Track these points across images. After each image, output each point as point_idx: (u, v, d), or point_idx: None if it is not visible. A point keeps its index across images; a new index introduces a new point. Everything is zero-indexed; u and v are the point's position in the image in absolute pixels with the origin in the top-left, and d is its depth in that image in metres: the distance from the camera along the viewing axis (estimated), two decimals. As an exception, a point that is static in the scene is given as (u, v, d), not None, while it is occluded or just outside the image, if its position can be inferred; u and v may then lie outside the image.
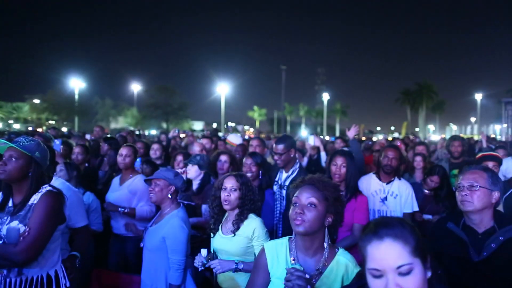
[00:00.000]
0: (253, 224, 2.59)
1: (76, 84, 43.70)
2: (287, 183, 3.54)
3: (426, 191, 4.14)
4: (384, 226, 1.21)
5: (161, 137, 9.49)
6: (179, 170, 3.85)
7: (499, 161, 3.83)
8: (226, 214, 2.71)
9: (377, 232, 1.19)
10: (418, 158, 5.13)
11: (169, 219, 2.79)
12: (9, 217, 2.27)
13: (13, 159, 2.26)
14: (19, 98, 47.24)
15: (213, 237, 2.70)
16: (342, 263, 1.77)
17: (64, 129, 30.59)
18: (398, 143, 7.42)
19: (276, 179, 3.73)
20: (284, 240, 1.88)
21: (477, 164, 2.50)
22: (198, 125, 57.61)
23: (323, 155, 5.84)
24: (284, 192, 3.51)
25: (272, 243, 1.91)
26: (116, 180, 3.97)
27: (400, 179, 3.70)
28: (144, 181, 3.08)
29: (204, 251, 2.54)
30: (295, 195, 1.79)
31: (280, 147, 3.53)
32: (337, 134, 38.14)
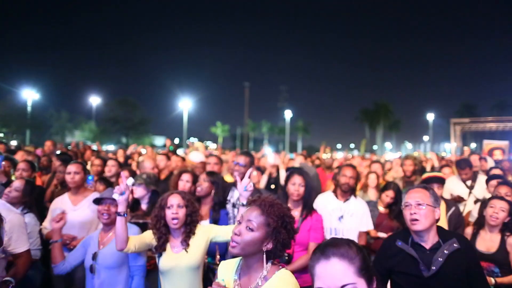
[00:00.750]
0: (202, 231, 2.67)
1: (28, 95, 41.54)
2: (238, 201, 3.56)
3: (381, 209, 4.27)
4: (332, 246, 1.26)
5: (117, 152, 9.16)
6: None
7: (442, 182, 4.04)
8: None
9: (325, 252, 1.24)
10: (372, 176, 5.29)
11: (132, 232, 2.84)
12: None
13: None
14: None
15: (159, 256, 2.63)
16: (275, 283, 1.68)
17: (14, 143, 28.87)
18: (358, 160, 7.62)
19: (228, 197, 3.71)
20: (237, 260, 1.88)
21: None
22: (159, 141, 56.40)
23: (282, 173, 5.87)
24: (236, 211, 3.48)
25: (225, 262, 1.93)
26: (64, 199, 3.72)
27: (356, 198, 3.79)
28: (94, 201, 2.96)
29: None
30: (243, 213, 1.79)
31: (245, 159, 3.64)
32: (299, 151, 38.76)
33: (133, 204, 3.75)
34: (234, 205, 3.56)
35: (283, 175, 5.79)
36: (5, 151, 7.15)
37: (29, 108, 41.64)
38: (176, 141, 53.83)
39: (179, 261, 2.55)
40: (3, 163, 4.26)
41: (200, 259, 2.60)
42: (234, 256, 1.85)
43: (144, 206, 3.64)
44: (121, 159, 7.70)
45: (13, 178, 4.43)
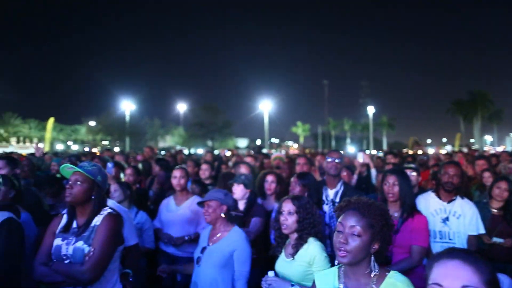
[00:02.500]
0: (312, 250, 2.53)
1: (127, 106, 46.39)
2: (337, 198, 3.54)
3: (494, 211, 3.83)
4: (461, 251, 1.20)
5: (207, 155, 9.64)
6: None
7: None
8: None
9: (451, 254, 1.19)
10: (487, 174, 4.77)
11: (233, 235, 2.91)
12: (74, 237, 2.38)
13: (78, 182, 2.38)
14: (77, 121, 50.71)
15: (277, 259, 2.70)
16: (392, 285, 1.66)
17: (117, 149, 32.24)
18: (459, 158, 6.99)
19: (323, 197, 3.69)
20: (334, 269, 1.83)
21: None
22: (242, 142, 58.32)
23: (373, 172, 5.64)
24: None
25: (322, 273, 1.89)
26: (169, 201, 4.07)
27: (462, 198, 3.46)
28: (197, 204, 3.15)
29: (271, 273, 2.54)
30: (339, 220, 1.73)
31: (340, 155, 3.70)
32: (385, 148, 36.81)
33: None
34: (334, 203, 3.56)
35: (374, 174, 5.57)
36: (112, 157, 8.02)
37: (127, 118, 46.30)
38: (258, 142, 55.07)
39: (288, 269, 2.56)
40: (113, 169, 4.74)
41: (299, 274, 2.51)
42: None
43: (241, 206, 3.78)
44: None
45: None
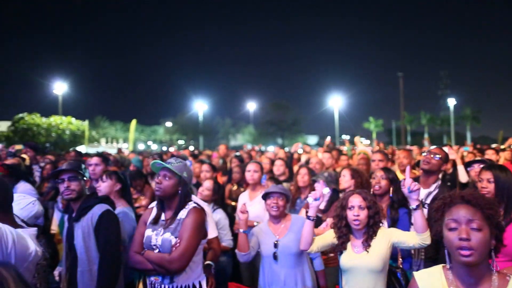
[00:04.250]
0: (386, 232, 2.60)
1: (200, 106, 48.77)
2: (428, 200, 3.27)
3: None
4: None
5: (278, 153, 9.71)
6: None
7: None
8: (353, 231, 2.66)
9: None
10: None
11: (296, 221, 3.10)
12: (162, 229, 2.56)
13: (167, 178, 2.55)
14: (156, 122, 54.44)
15: (340, 254, 2.65)
16: None
17: (191, 148, 33.91)
18: None
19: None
20: (437, 269, 1.65)
21: None
22: (312, 139, 57.67)
23: (460, 169, 5.18)
24: (425, 211, 3.21)
25: (423, 273, 1.70)
26: (244, 196, 4.18)
27: None
28: (262, 197, 3.21)
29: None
30: (448, 217, 1.54)
31: (440, 151, 3.44)
32: (469, 142, 33.74)
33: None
34: (422, 204, 3.35)
35: (461, 171, 5.11)
36: (190, 155, 8.44)
37: (200, 118, 48.58)
38: (328, 139, 53.93)
39: (360, 262, 2.52)
40: (193, 166, 5.00)
41: (381, 263, 2.51)
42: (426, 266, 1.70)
43: (322, 205, 3.74)
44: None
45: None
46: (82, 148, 28.55)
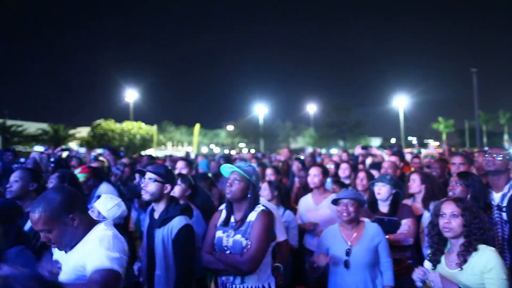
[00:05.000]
0: (487, 258, 2.22)
1: (260, 110, 49.42)
2: (504, 203, 3.05)
3: None
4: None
5: (342, 155, 9.49)
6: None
7: None
8: (448, 244, 2.44)
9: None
10: None
11: (371, 229, 3.00)
12: (233, 231, 2.63)
13: (236, 181, 2.62)
14: (218, 126, 56.20)
15: (433, 269, 2.44)
16: None
17: (252, 151, 34.41)
18: None
19: (487, 201, 3.23)
20: None
21: None
22: (375, 142, 55.46)
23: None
24: (504, 214, 2.99)
25: None
26: (308, 199, 4.14)
27: None
28: (332, 202, 3.15)
29: (427, 263, 2.45)
30: None
31: (502, 151, 3.25)
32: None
33: (372, 204, 3.76)
34: (499, 208, 3.09)
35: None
36: (252, 158, 8.59)
37: (261, 121, 49.19)
38: (393, 141, 51.69)
39: (454, 280, 2.28)
40: (257, 169, 5.07)
41: (474, 282, 2.23)
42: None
43: (385, 208, 3.61)
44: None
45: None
46: (151, 151, 30.33)
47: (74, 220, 1.85)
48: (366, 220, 3.16)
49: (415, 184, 3.76)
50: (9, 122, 33.77)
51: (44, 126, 36.51)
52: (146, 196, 2.76)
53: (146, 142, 34.04)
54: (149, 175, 2.76)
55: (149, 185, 2.73)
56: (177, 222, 2.67)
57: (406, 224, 3.39)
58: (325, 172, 4.18)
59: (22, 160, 6.20)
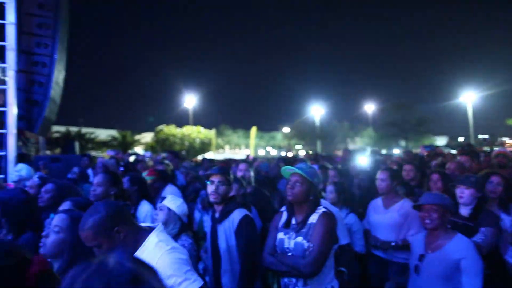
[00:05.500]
0: None
1: (316, 111, 48.83)
2: None
3: None
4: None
5: (406, 155, 9.04)
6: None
7: None
8: None
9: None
10: None
11: (458, 242, 2.67)
12: (294, 233, 2.63)
13: (298, 184, 2.61)
14: (274, 128, 56.44)
15: None
16: None
17: (310, 152, 34.06)
18: None
19: None
20: None
21: None
22: (441, 141, 52.03)
23: None
24: None
25: None
26: (378, 202, 4.01)
27: None
28: (413, 207, 2.98)
29: None
30: None
31: None
32: None
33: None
34: None
35: None
36: (311, 159, 8.49)
37: (317, 122, 48.59)
38: (460, 139, 48.20)
39: None
40: (319, 171, 5.02)
41: None
42: None
43: (466, 212, 3.37)
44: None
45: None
46: (210, 155, 31.30)
47: (120, 232, 1.89)
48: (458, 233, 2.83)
49: (491, 185, 3.49)
50: (84, 130, 36.78)
51: (113, 132, 39.26)
52: (215, 199, 2.88)
53: (205, 146, 35.24)
54: (217, 177, 2.89)
55: (218, 187, 2.87)
56: (237, 214, 2.81)
57: (483, 233, 3.09)
58: (394, 176, 3.94)
59: (98, 164, 6.72)
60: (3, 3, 7.19)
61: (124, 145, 34.43)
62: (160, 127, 34.81)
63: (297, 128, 50.84)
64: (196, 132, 34.86)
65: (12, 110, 7.10)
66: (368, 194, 4.78)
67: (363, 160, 6.44)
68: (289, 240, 2.61)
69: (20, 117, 7.54)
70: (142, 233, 2.00)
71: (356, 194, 5.11)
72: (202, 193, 5.21)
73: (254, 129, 42.55)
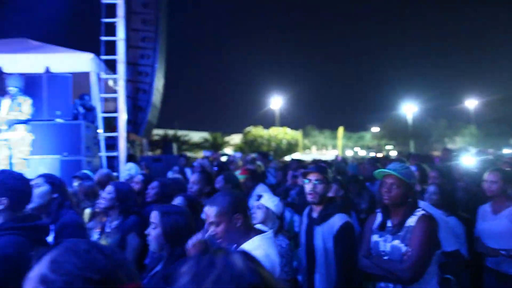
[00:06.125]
0: None
1: (408, 109, 45.71)
2: None
3: None
4: None
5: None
6: None
7: None
8: None
9: None
10: None
11: None
12: (390, 236, 2.52)
13: (394, 186, 2.49)
14: (363, 128, 54.40)
15: None
16: None
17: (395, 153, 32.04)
18: None
19: None
20: None
21: None
22: None
23: None
24: None
25: None
26: (486, 208, 3.64)
27: None
28: None
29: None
30: None
31: None
32: None
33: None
34: None
35: None
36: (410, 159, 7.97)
37: (409, 121, 45.50)
38: None
39: None
40: (417, 172, 4.69)
41: None
42: None
43: None
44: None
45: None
46: (296, 156, 31.43)
47: (239, 219, 2.06)
48: None
49: None
50: (179, 133, 39.81)
51: (205, 134, 41.80)
52: (313, 198, 2.81)
53: (292, 147, 35.50)
54: (315, 175, 2.83)
55: (316, 186, 2.80)
56: (338, 219, 2.71)
57: None
58: (507, 178, 3.54)
59: (195, 164, 7.28)
60: (114, 22, 8.18)
61: (215, 146, 36.41)
62: (248, 128, 36.09)
63: (387, 127, 48.23)
64: (282, 133, 35.34)
65: (122, 116, 8.03)
66: (476, 198, 4.34)
67: (469, 161, 5.86)
68: (384, 243, 2.52)
69: (128, 122, 8.48)
70: (251, 232, 2.14)
71: (462, 198, 4.68)
72: (292, 193, 5.28)
73: (341, 129, 41.54)
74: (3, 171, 2.14)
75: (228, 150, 35.68)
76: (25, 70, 7.28)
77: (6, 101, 6.37)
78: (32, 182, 2.88)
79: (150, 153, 13.89)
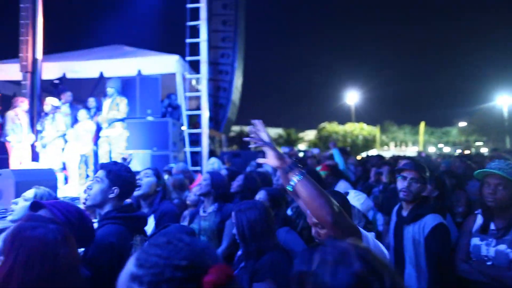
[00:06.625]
0: None
1: (504, 101, 40.99)
2: None
3: None
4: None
5: None
6: None
7: None
8: None
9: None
10: None
11: None
12: (494, 240, 2.32)
13: (500, 187, 2.30)
14: (448, 123, 50.25)
15: None
16: None
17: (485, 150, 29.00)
18: None
19: None
20: None
21: None
22: None
23: None
24: None
25: None
26: None
27: None
28: None
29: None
30: None
31: None
32: None
33: None
34: None
35: None
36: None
37: (505, 114, 40.94)
38: None
39: None
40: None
41: None
42: None
43: None
44: None
45: None
46: (373, 152, 30.19)
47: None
48: None
49: None
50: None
51: (279, 131, 42.09)
52: (406, 196, 2.62)
53: (369, 143, 34.16)
54: (411, 173, 2.63)
55: (411, 184, 2.60)
56: (431, 220, 2.52)
57: None
58: None
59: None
60: (197, 25, 8.61)
61: (289, 143, 36.48)
62: (323, 124, 35.53)
63: (477, 121, 43.81)
64: (359, 129, 34.15)
65: (205, 113, 8.45)
66: None
67: None
68: (487, 248, 2.33)
69: (209, 119, 8.89)
70: (354, 230, 2.06)
71: None
72: (375, 190, 5.09)
73: (422, 125, 38.81)
74: (116, 163, 2.30)
75: (302, 146, 35.50)
76: (121, 73, 8.04)
77: (106, 102, 7.14)
78: (142, 172, 3.22)
79: (227, 149, 14.42)
